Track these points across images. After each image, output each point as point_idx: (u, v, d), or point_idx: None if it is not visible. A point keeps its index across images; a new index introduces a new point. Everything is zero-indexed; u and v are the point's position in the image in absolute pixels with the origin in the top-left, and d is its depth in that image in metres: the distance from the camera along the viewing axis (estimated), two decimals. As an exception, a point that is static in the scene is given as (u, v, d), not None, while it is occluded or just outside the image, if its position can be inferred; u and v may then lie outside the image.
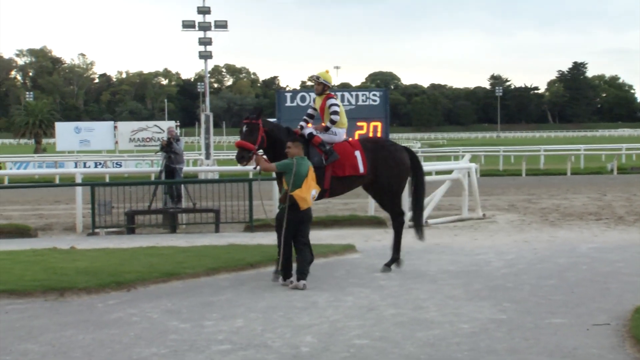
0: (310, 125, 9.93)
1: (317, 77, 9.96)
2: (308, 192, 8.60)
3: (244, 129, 9.15)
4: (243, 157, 9.07)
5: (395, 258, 9.69)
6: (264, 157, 9.17)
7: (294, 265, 8.70)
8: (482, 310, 7.30)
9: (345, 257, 10.68)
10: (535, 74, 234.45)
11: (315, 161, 9.20)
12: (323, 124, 9.79)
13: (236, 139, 10.32)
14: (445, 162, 28.14)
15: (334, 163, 9.46)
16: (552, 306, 7.44)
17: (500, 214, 16.45)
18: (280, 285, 8.65)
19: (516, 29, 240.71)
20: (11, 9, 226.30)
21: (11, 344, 6.29)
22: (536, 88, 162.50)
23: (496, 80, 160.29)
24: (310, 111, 10.19)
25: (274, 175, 9.90)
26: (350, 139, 10.71)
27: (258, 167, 8.99)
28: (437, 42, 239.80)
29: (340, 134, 9.78)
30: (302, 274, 8.53)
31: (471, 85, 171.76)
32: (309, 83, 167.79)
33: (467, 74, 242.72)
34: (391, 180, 9.72)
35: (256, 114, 9.24)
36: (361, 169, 9.51)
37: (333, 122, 9.67)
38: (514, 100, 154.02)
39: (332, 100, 9.79)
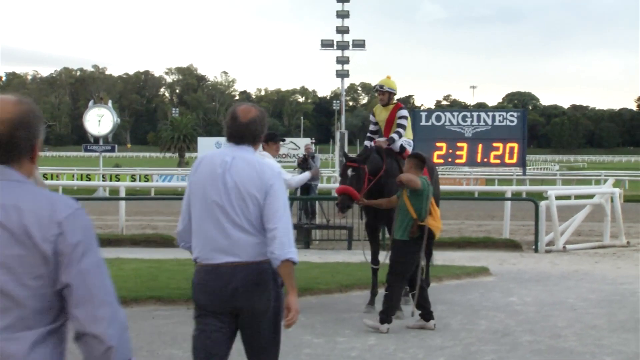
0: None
1: (381, 86, 8.69)
2: (439, 219, 7.53)
3: (350, 172, 7.96)
4: (348, 206, 7.94)
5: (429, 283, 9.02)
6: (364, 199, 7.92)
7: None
8: (628, 343, 6.95)
9: (478, 279, 10.49)
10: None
11: None
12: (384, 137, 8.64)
13: None
14: (585, 186, 27.00)
15: None
16: None
17: (646, 242, 15.59)
18: (417, 326, 7.48)
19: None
20: (162, 30, 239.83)
21: (158, 348, 6.67)
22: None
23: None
24: (372, 127, 8.98)
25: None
26: None
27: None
28: (581, 61, 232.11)
29: (413, 146, 8.86)
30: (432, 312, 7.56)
31: (616, 106, 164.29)
32: (444, 102, 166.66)
33: (612, 95, 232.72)
34: (438, 200, 8.79)
35: (363, 157, 8.11)
36: None
37: (400, 135, 8.56)
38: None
39: (404, 112, 8.66)
